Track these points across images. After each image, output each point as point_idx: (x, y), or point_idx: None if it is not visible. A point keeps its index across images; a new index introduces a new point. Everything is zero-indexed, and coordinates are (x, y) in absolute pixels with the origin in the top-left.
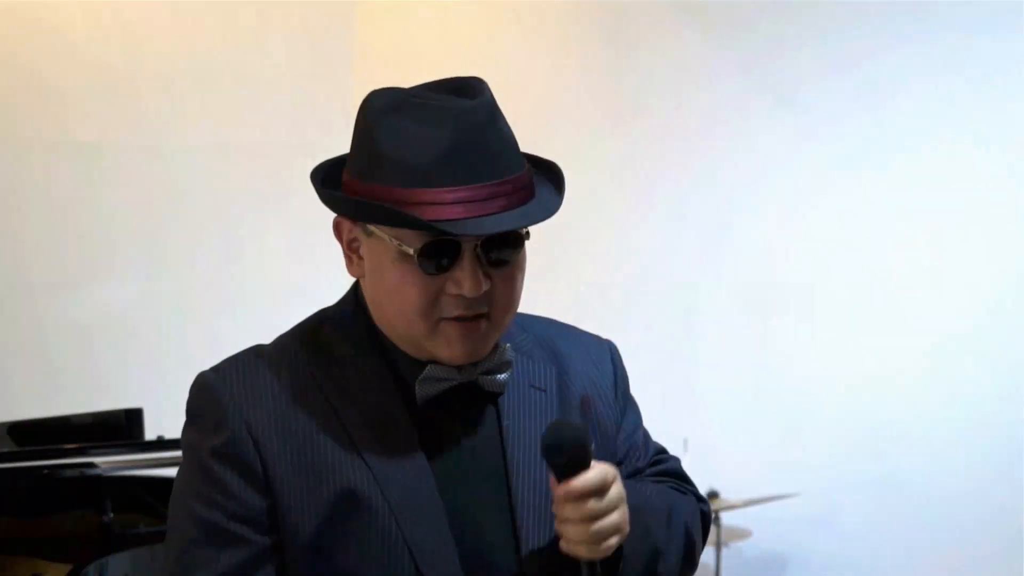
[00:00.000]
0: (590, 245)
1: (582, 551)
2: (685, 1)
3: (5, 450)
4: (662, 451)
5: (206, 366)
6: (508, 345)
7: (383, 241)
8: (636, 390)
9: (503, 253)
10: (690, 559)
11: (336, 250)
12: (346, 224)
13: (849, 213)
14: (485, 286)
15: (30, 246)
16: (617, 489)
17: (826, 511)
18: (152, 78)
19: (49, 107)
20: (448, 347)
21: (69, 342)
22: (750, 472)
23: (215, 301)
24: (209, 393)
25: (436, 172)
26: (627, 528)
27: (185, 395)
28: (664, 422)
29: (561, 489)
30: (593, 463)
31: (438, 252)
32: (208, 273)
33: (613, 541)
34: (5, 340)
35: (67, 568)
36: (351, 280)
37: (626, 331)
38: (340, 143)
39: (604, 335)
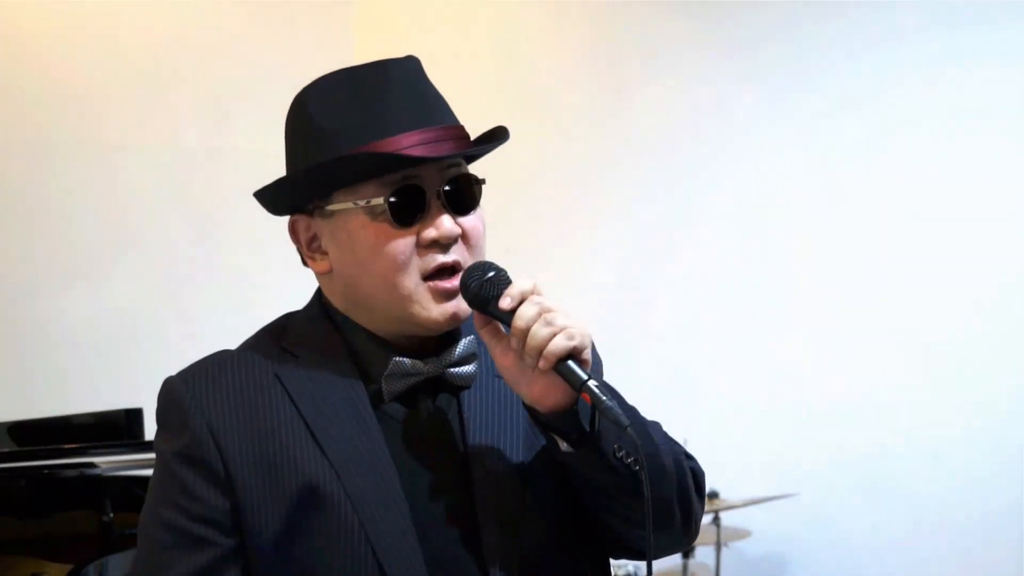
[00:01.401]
0: (589, 245)
1: (560, 342)
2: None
3: (5, 450)
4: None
5: None
6: (471, 337)
7: (347, 211)
8: (636, 390)
9: (465, 199)
10: (682, 476)
11: None
12: (302, 222)
13: (850, 213)
14: (457, 229)
15: (30, 246)
16: (554, 309)
17: (826, 511)
18: (152, 79)
19: (49, 107)
20: (429, 308)
21: (69, 342)
22: (750, 472)
23: (215, 301)
24: (172, 396)
25: (382, 124)
26: (586, 330)
27: None
28: (664, 422)
29: (506, 296)
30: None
31: (407, 200)
32: (208, 273)
33: (580, 330)
34: (5, 340)
35: (67, 568)
36: None
37: (627, 331)
38: None
39: (605, 335)
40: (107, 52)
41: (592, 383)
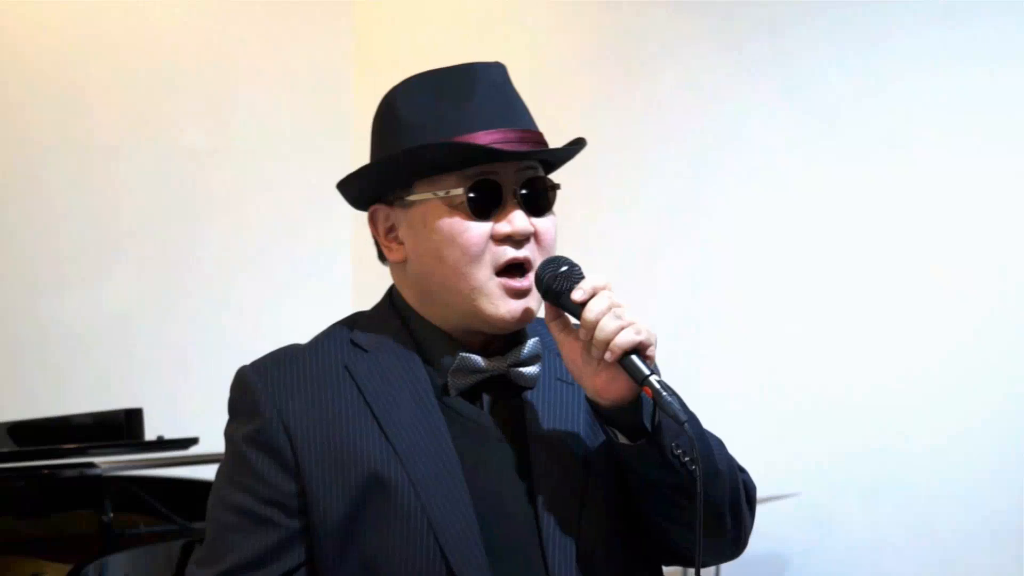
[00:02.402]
0: (588, 244)
1: (628, 335)
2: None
3: (5, 450)
4: None
5: (206, 366)
6: (536, 339)
7: (426, 202)
8: None
9: (540, 200)
10: (735, 487)
11: (334, 251)
12: (382, 211)
13: (851, 212)
14: (530, 227)
15: (30, 246)
16: (614, 305)
17: (826, 511)
18: (152, 79)
19: (50, 107)
20: (498, 305)
21: (69, 342)
22: (750, 472)
23: (215, 301)
24: (244, 384)
25: (466, 120)
26: (653, 328)
27: (185, 395)
28: None
29: (579, 289)
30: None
31: (485, 194)
32: (208, 273)
33: (648, 327)
34: (5, 340)
35: (67, 568)
36: (351, 281)
37: None
38: (340, 143)
39: None
40: (108, 53)
41: (654, 378)
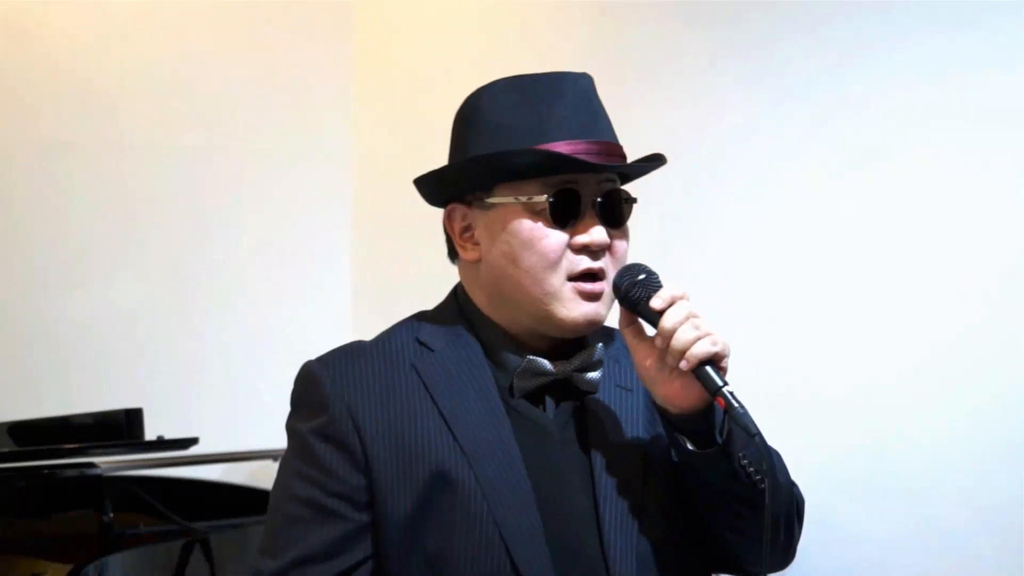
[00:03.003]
0: None
1: (704, 345)
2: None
3: (5, 450)
4: None
5: (206, 366)
6: (600, 345)
7: (506, 205)
8: None
9: (617, 213)
10: (794, 503)
11: (335, 252)
12: (459, 211)
13: (848, 213)
14: (607, 238)
15: (30, 246)
16: (692, 315)
17: (826, 511)
18: (154, 78)
19: (50, 107)
20: (570, 308)
21: (69, 342)
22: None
23: (215, 302)
24: (311, 379)
25: (555, 129)
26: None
27: (185, 395)
28: None
29: (658, 297)
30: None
31: (565, 203)
32: (208, 273)
33: (722, 338)
34: (5, 340)
35: (67, 568)
36: (351, 283)
37: None
38: (340, 143)
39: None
40: (110, 54)
41: (727, 389)
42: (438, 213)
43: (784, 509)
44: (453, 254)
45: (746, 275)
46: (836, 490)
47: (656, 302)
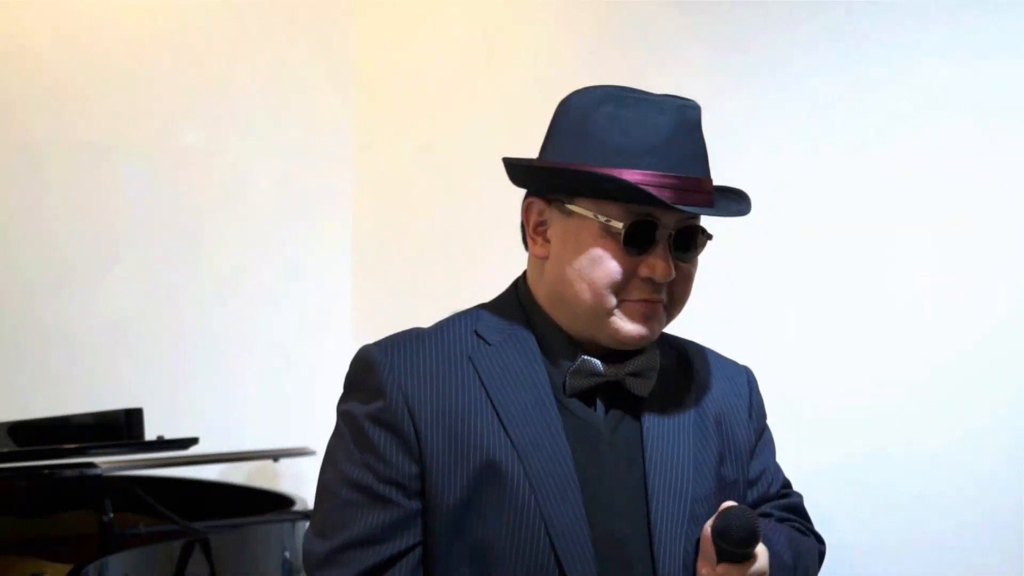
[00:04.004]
0: None
1: None
2: (687, 3)
3: (5, 450)
4: (788, 485)
5: (206, 366)
6: (657, 352)
7: (585, 219)
8: None
9: (689, 249)
10: None
11: (334, 252)
12: (537, 206)
13: (849, 215)
14: (674, 274)
15: (30, 246)
16: None
17: (825, 513)
18: (152, 79)
19: (49, 107)
20: (626, 323)
21: (70, 342)
22: None
23: (215, 302)
24: (370, 364)
25: (650, 156)
26: None
27: (185, 395)
28: None
29: (720, 568)
30: (758, 550)
31: (641, 232)
32: (208, 274)
33: None
34: (5, 340)
35: (67, 568)
36: (351, 283)
37: None
38: (340, 143)
39: None
40: (104, 54)
41: None
42: (438, 213)
43: None
44: (526, 242)
45: (749, 279)
46: (837, 493)
47: (719, 569)
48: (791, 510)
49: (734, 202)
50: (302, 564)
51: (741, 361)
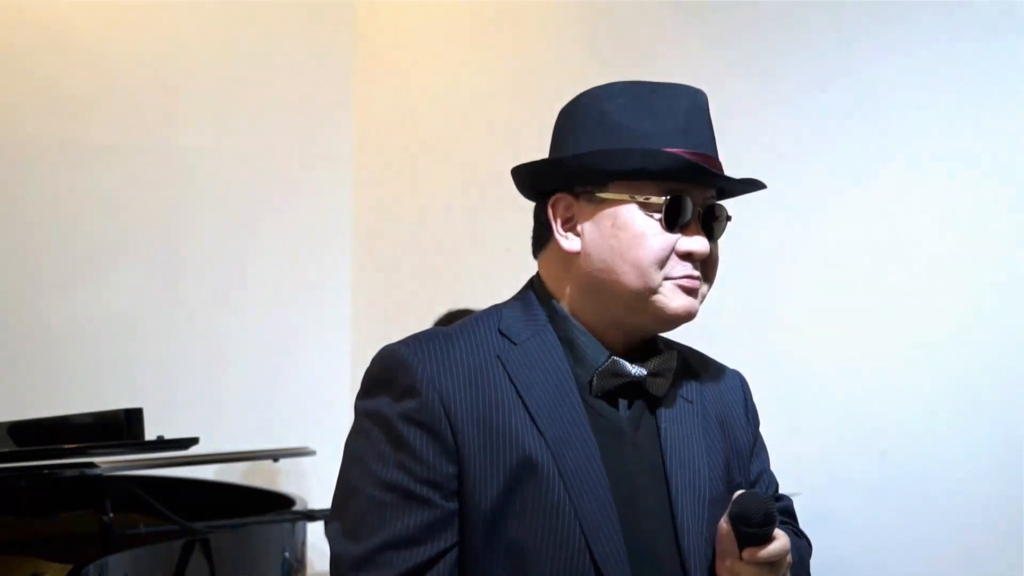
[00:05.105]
0: None
1: None
2: (684, 2)
3: (5, 450)
4: (777, 489)
5: (206, 366)
6: (674, 352)
7: (621, 202)
8: None
9: (718, 224)
10: None
11: (335, 252)
12: (564, 201)
13: (848, 213)
14: (708, 249)
15: (30, 247)
16: (787, 562)
17: (826, 510)
18: (155, 80)
19: (52, 108)
20: (672, 300)
21: (69, 342)
22: None
23: (215, 302)
24: (400, 362)
25: (673, 137)
26: None
27: (185, 395)
28: None
29: (746, 554)
30: (776, 533)
31: (677, 208)
32: (208, 274)
33: None
34: (5, 341)
35: (67, 568)
36: (351, 283)
37: None
38: (339, 143)
39: None
40: (111, 54)
41: None
42: (437, 214)
43: None
44: (539, 246)
45: (751, 272)
46: (837, 491)
47: (745, 554)
48: (785, 513)
49: (748, 182)
50: (330, 568)
51: (744, 361)
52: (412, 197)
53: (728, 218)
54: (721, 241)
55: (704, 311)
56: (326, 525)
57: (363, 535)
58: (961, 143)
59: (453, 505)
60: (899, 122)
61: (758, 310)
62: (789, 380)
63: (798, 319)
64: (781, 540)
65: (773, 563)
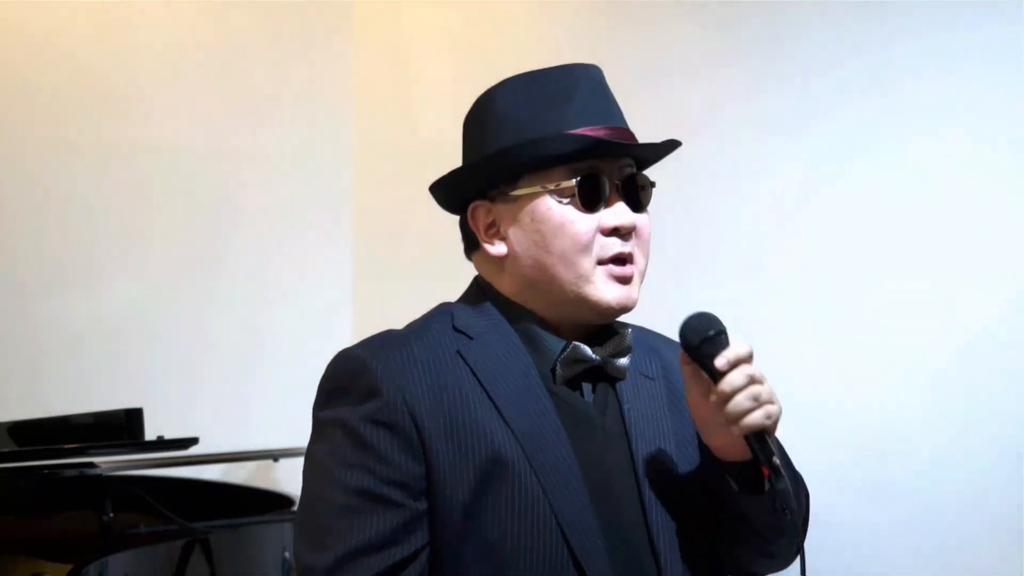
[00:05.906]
0: None
1: (758, 417)
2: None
3: (5, 450)
4: None
5: (206, 366)
6: (629, 331)
7: (534, 195)
8: None
9: (639, 196)
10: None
11: (335, 252)
12: (483, 208)
13: (850, 215)
14: (634, 221)
15: (27, 247)
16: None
17: (825, 513)
18: (148, 80)
19: (43, 108)
20: (603, 291)
21: (69, 342)
22: None
23: (215, 301)
24: (359, 364)
25: (573, 117)
26: (779, 406)
27: (185, 395)
28: None
29: (718, 361)
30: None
31: (592, 187)
32: (208, 274)
33: (776, 408)
34: (5, 340)
35: (67, 568)
36: (351, 283)
37: None
38: (338, 144)
39: None
40: (102, 53)
41: (775, 460)
42: (438, 212)
43: (804, 533)
44: (471, 251)
45: (749, 275)
46: (837, 491)
47: (720, 362)
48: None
49: (662, 145)
50: None
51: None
52: (412, 198)
53: (652, 184)
54: (723, 238)
55: (704, 311)
56: (294, 538)
57: (330, 543)
58: (962, 147)
59: (422, 505)
60: (904, 112)
61: (757, 310)
62: (789, 380)
63: (798, 319)
64: (737, 345)
65: (750, 361)
